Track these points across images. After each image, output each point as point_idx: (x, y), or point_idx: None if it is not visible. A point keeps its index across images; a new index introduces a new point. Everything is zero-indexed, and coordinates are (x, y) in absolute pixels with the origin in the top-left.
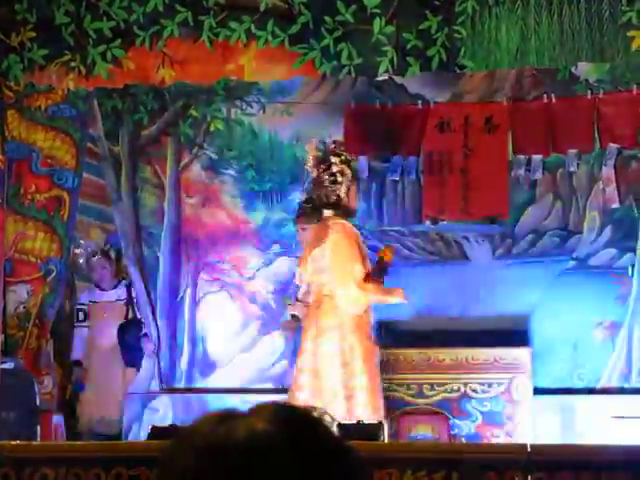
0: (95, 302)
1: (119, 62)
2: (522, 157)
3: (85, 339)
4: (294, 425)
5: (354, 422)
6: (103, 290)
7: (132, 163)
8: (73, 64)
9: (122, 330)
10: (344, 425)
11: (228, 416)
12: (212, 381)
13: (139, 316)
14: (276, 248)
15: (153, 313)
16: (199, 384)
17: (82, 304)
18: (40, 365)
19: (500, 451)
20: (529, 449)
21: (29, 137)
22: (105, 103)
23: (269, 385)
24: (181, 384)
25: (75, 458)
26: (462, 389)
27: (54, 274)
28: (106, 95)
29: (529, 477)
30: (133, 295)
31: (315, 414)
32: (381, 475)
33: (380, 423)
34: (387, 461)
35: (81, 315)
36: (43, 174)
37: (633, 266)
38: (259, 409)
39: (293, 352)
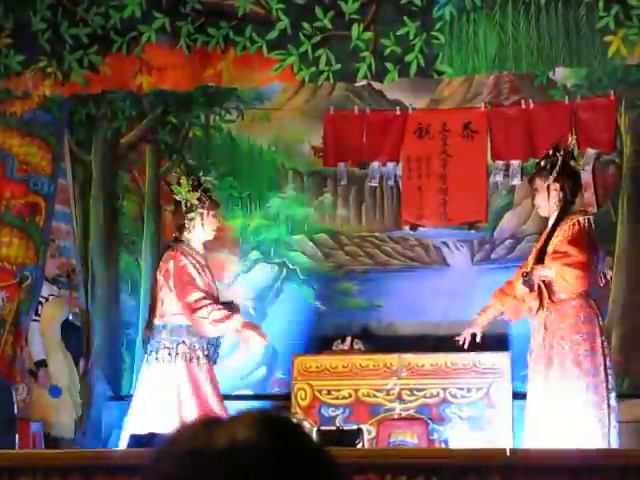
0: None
1: (96, 68)
2: (500, 162)
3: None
4: (275, 432)
5: (333, 428)
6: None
7: (109, 170)
8: (49, 70)
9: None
10: (323, 431)
11: (210, 423)
12: None
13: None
14: (255, 254)
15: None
16: None
17: (42, 297)
18: (16, 372)
19: (479, 455)
20: (508, 453)
21: (4, 143)
22: (79, 110)
23: (249, 392)
24: None
25: (53, 467)
26: (441, 394)
27: (29, 281)
28: (81, 102)
29: None
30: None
31: (295, 421)
32: None
33: (359, 429)
34: (366, 466)
35: (39, 309)
36: (18, 180)
37: (611, 270)
38: (241, 416)
39: (272, 359)
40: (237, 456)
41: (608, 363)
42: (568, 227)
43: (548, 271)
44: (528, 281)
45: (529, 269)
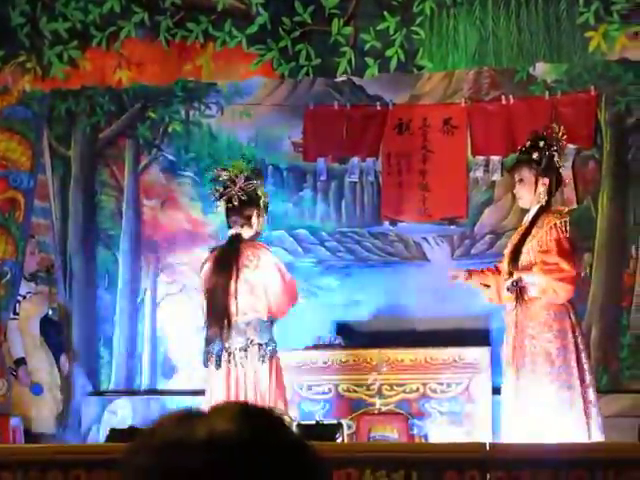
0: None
1: (75, 63)
2: (480, 158)
3: (17, 333)
4: (255, 424)
5: (313, 422)
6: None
7: (88, 166)
8: (29, 65)
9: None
10: (303, 425)
11: (189, 416)
12: (173, 383)
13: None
14: None
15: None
16: (160, 386)
17: (20, 295)
18: None
19: (459, 450)
20: (488, 448)
21: None
22: (59, 105)
23: None
24: (142, 386)
25: (33, 461)
26: (421, 389)
27: (8, 276)
28: (61, 97)
29: (488, 475)
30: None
31: (275, 413)
32: (340, 475)
33: (339, 424)
34: (346, 461)
35: (17, 307)
36: None
37: (591, 266)
38: (220, 409)
39: None
40: (216, 449)
41: (583, 359)
42: (546, 232)
43: (537, 280)
44: (513, 290)
45: (516, 277)
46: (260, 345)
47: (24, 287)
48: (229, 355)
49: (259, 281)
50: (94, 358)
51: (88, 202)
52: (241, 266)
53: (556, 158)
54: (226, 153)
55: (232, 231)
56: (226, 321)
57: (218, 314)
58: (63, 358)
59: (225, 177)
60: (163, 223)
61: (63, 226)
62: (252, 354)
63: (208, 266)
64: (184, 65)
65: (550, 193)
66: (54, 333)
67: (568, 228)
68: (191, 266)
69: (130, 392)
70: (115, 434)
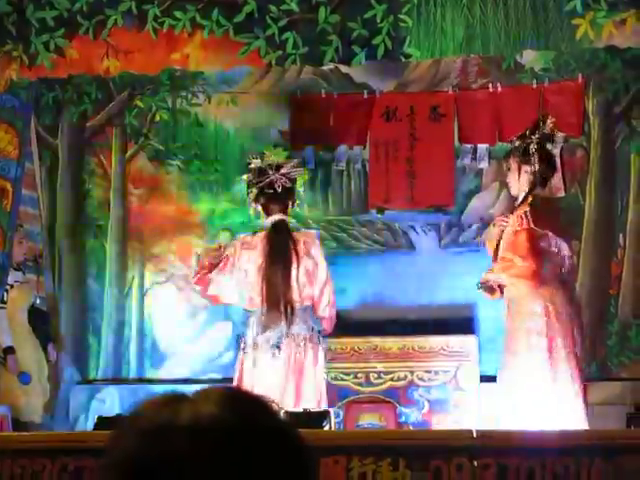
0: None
1: (62, 52)
2: (468, 146)
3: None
4: (240, 408)
5: (300, 410)
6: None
7: (76, 154)
8: (15, 54)
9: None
10: (291, 413)
11: (173, 399)
12: (161, 372)
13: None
14: (222, 239)
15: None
16: (148, 375)
17: (7, 284)
18: None
19: (446, 437)
20: (475, 435)
21: None
22: (46, 94)
23: (217, 375)
24: (129, 375)
25: (20, 449)
26: (409, 377)
27: None
28: (48, 86)
29: (475, 462)
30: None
31: (262, 399)
32: (327, 462)
33: (326, 411)
34: (334, 448)
35: (5, 296)
36: None
37: (579, 254)
38: (204, 392)
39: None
40: (200, 432)
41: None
42: (512, 223)
43: (500, 278)
44: (485, 289)
45: (482, 279)
46: (319, 332)
47: (12, 276)
48: (292, 341)
49: (313, 270)
50: (82, 347)
51: (76, 191)
52: (301, 255)
53: (548, 146)
54: (213, 142)
55: (275, 217)
56: (289, 308)
57: (278, 301)
58: (51, 347)
59: (265, 164)
60: (150, 212)
61: (51, 215)
62: (313, 341)
63: (256, 253)
64: (171, 54)
65: (535, 181)
66: (42, 322)
67: (533, 231)
68: (178, 255)
69: (118, 381)
70: (103, 422)
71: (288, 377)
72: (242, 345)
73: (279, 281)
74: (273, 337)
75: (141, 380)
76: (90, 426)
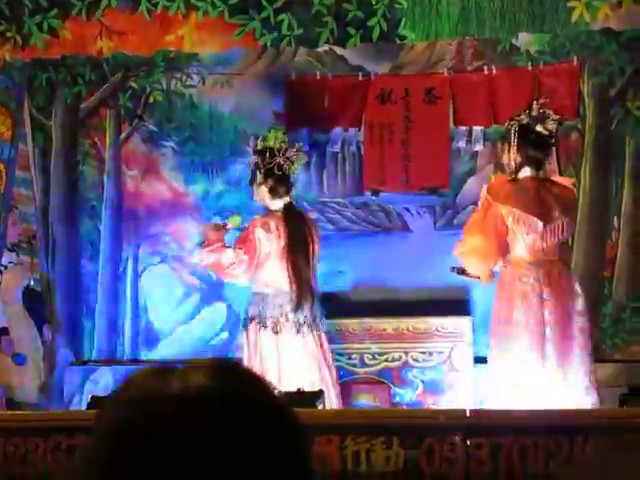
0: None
1: (56, 32)
2: (463, 128)
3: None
4: (229, 378)
5: (294, 390)
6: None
7: (70, 136)
8: (9, 34)
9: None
10: (285, 393)
11: (163, 369)
12: (155, 353)
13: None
14: (216, 220)
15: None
16: (143, 356)
17: (1, 265)
18: None
19: (440, 416)
20: (468, 414)
21: None
22: (39, 75)
23: (211, 357)
24: (123, 356)
25: (13, 428)
26: (403, 358)
27: None
28: (41, 67)
29: (468, 442)
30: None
31: (254, 372)
32: (321, 441)
33: (320, 391)
34: (327, 428)
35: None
36: None
37: (574, 236)
38: (195, 362)
39: (234, 324)
40: (189, 402)
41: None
42: None
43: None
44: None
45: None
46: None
47: (6, 257)
48: (313, 321)
49: (318, 251)
50: (77, 328)
51: (70, 172)
52: (316, 240)
53: (538, 128)
54: (207, 123)
55: (286, 200)
56: (310, 292)
57: (303, 283)
58: (46, 328)
59: (272, 146)
60: (144, 193)
61: (45, 196)
62: (323, 324)
63: (276, 236)
64: (166, 35)
65: (520, 164)
66: (36, 303)
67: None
68: (172, 236)
69: (112, 362)
70: (96, 402)
71: (316, 357)
72: (255, 325)
73: (302, 263)
74: (301, 317)
75: (135, 361)
76: (84, 407)
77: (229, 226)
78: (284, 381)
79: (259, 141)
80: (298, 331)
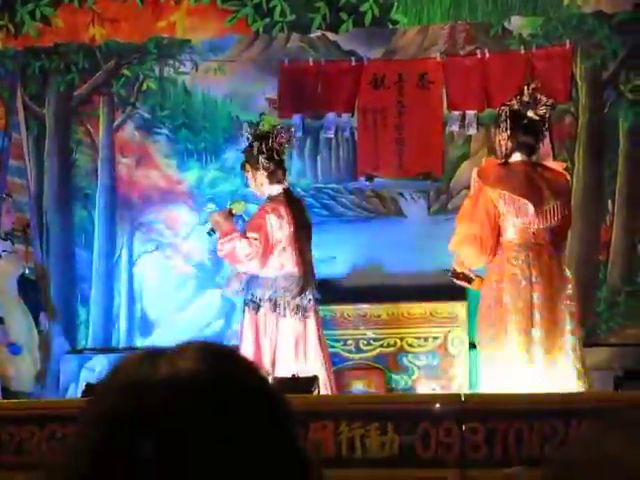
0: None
1: (48, 20)
2: (456, 113)
3: None
4: (219, 362)
5: (289, 376)
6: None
7: (63, 124)
8: (1, 23)
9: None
10: (279, 379)
11: (152, 355)
12: (150, 341)
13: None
14: (210, 207)
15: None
16: (138, 344)
17: None
18: None
19: (434, 401)
20: (463, 399)
21: None
22: (32, 63)
23: None
24: (119, 344)
25: (8, 417)
26: (398, 344)
27: None
28: (34, 55)
29: (463, 426)
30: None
31: (245, 357)
32: (316, 427)
33: (315, 376)
34: (322, 413)
35: None
36: None
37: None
38: (183, 347)
39: (229, 311)
40: (178, 386)
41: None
42: None
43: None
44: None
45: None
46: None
47: (0, 246)
48: (315, 305)
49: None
50: (72, 316)
51: (63, 160)
52: (311, 225)
53: (529, 113)
54: (201, 110)
55: (284, 185)
56: (313, 276)
57: (308, 269)
58: (42, 316)
59: (268, 131)
60: (138, 181)
61: (39, 185)
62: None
63: (283, 221)
64: (158, 22)
65: (509, 149)
66: (32, 292)
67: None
68: (166, 223)
69: (108, 350)
70: (91, 389)
71: (319, 340)
72: (261, 308)
73: (306, 247)
74: (305, 301)
75: (130, 349)
76: (80, 395)
77: (233, 212)
78: (284, 364)
79: (260, 126)
80: (302, 315)
